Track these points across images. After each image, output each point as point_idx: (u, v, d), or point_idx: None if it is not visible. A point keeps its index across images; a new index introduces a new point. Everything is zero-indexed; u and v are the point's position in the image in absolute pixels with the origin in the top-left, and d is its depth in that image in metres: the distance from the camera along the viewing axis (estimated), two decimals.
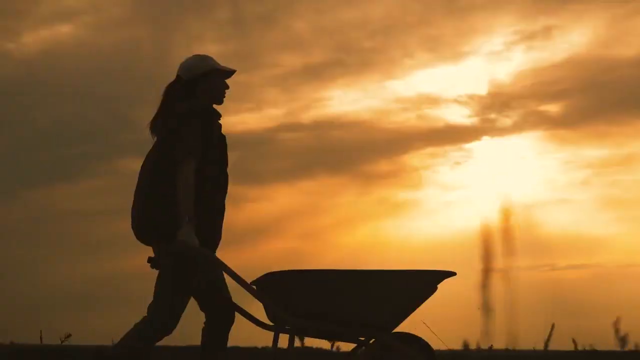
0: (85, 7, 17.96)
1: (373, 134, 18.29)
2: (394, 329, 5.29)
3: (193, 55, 5.20)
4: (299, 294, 5.12)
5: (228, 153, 5.16)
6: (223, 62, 5.24)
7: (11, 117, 17.61)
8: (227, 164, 5.15)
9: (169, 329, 4.96)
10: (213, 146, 5.03)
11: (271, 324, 5.22)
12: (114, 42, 17.81)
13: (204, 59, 5.16)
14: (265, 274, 5.15)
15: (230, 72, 5.20)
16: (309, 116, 18.36)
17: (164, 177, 4.97)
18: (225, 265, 5.00)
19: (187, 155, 4.89)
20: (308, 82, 18.44)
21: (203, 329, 5.18)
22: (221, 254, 5.07)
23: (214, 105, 5.20)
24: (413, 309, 5.31)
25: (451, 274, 5.30)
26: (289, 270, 5.13)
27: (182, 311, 4.98)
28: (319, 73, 18.37)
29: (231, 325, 5.16)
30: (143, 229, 5.02)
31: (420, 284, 5.27)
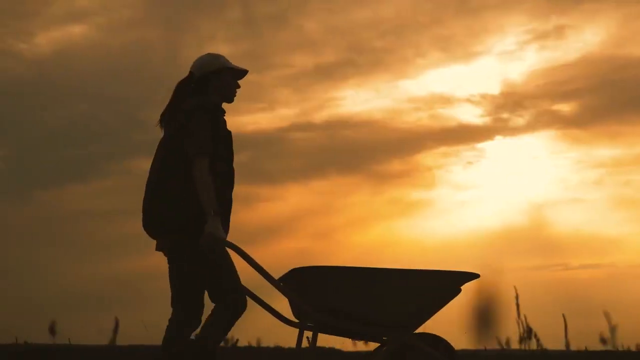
0: (97, 8, 17.99)
1: (385, 134, 18.28)
2: (416, 329, 5.29)
3: (207, 54, 5.25)
4: (324, 290, 5.12)
5: (238, 152, 5.19)
6: (234, 62, 5.26)
7: (23, 118, 17.66)
8: (232, 160, 5.17)
9: (244, 304, 5.06)
10: (221, 142, 5.05)
11: (296, 320, 5.22)
12: (125, 43, 17.84)
13: (216, 57, 5.22)
14: (291, 270, 5.17)
15: (242, 72, 5.25)
16: (321, 116, 18.35)
17: (171, 172, 5.01)
18: (252, 259, 5.02)
19: (199, 151, 4.92)
20: (320, 82, 18.43)
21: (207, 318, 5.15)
22: (233, 253, 5.07)
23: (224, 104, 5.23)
24: (437, 310, 5.31)
25: (475, 276, 5.29)
26: (314, 266, 5.14)
27: (239, 281, 5.06)
28: (331, 73, 18.36)
29: (237, 319, 5.13)
30: (150, 223, 5.06)
31: (445, 284, 5.27)
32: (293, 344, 5.27)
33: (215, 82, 5.17)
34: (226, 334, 5.08)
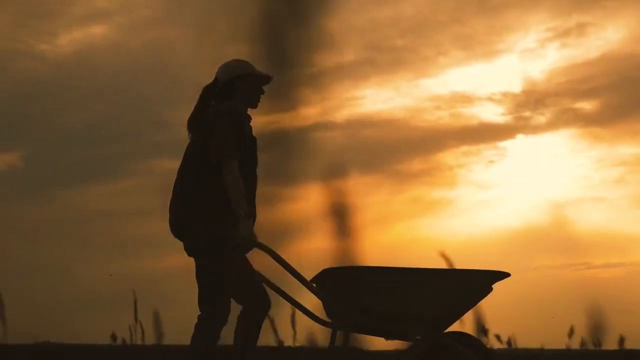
0: (118, 8, 18.04)
1: (406, 133, 18.24)
2: (447, 328, 5.31)
3: (233, 59, 5.29)
4: (357, 290, 5.15)
5: (259, 154, 5.21)
6: (255, 62, 5.29)
7: (44, 118, 17.73)
8: (256, 165, 5.22)
9: (267, 304, 5.11)
10: (244, 147, 5.08)
11: (329, 320, 5.23)
12: (146, 43, 17.88)
13: (242, 63, 5.26)
14: (323, 270, 5.21)
15: (267, 78, 5.29)
16: (341, 115, 18.33)
17: (196, 176, 5.05)
18: (284, 260, 5.07)
19: (226, 154, 4.96)
20: (340, 81, 18.42)
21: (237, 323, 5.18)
22: (255, 252, 5.09)
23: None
24: (468, 309, 5.35)
25: (506, 275, 5.31)
26: (347, 267, 5.23)
27: (260, 285, 5.10)
28: (352, 72, 18.33)
29: (265, 316, 5.16)
30: (176, 226, 5.10)
31: (476, 283, 5.29)
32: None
33: (239, 87, 5.20)
34: (257, 338, 5.10)
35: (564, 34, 17.39)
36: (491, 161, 17.76)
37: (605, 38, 17.35)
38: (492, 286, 5.35)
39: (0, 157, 17.43)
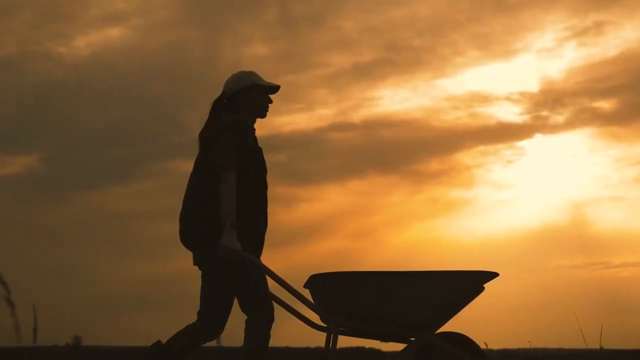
0: (135, 10, 18.13)
1: (424, 133, 18.26)
2: (437, 329, 5.32)
3: (239, 71, 5.37)
4: (345, 295, 5.20)
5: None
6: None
7: (62, 120, 17.84)
8: (264, 172, 5.31)
9: (216, 333, 5.15)
10: (249, 158, 5.17)
11: (324, 325, 5.26)
12: (163, 44, 17.95)
13: (247, 75, 5.33)
14: (311, 276, 5.25)
15: (273, 88, 5.34)
16: (359, 115, 18.37)
17: (202, 188, 5.14)
18: (269, 269, 5.11)
19: (225, 167, 5.06)
20: (358, 81, 18.44)
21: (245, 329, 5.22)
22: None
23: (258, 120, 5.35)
24: (457, 310, 5.35)
25: (494, 275, 5.31)
26: (334, 273, 5.22)
27: (228, 316, 5.14)
28: (369, 72, 18.37)
29: (271, 325, 5.20)
30: (184, 237, 5.19)
31: (462, 284, 5.30)
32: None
33: (246, 99, 5.27)
34: (264, 347, 5.14)
35: (581, 32, 17.35)
36: (509, 161, 17.75)
37: (623, 37, 17.30)
38: (484, 286, 5.36)
39: (19, 159, 17.52)
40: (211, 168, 5.11)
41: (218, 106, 5.32)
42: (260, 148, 5.33)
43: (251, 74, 5.33)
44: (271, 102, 5.34)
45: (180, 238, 5.21)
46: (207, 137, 5.20)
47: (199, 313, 5.14)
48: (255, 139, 5.31)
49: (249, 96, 5.27)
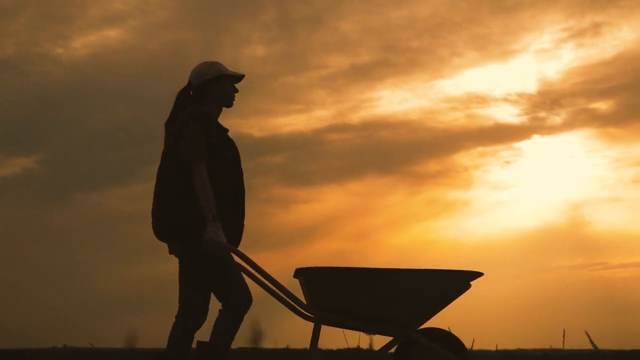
0: (133, 11, 18.10)
1: (422, 134, 18.24)
2: (419, 327, 5.38)
3: (203, 62, 5.41)
4: (328, 290, 5.25)
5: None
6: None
7: (61, 121, 17.81)
8: (236, 162, 5.35)
9: (249, 297, 5.22)
10: (215, 149, 5.20)
11: (311, 315, 5.32)
12: (161, 45, 17.94)
13: (212, 65, 5.38)
14: (296, 269, 5.33)
15: (238, 77, 5.40)
16: (357, 117, 18.35)
17: (170, 179, 5.20)
18: (255, 263, 5.14)
19: (194, 157, 5.08)
20: (356, 82, 18.43)
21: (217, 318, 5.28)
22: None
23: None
24: (440, 308, 5.40)
25: (478, 274, 5.35)
26: (316, 267, 5.26)
27: (240, 276, 5.21)
28: (367, 73, 18.35)
29: (242, 317, 5.26)
30: (157, 228, 5.26)
31: (445, 283, 5.33)
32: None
33: (212, 89, 5.32)
34: (233, 337, 5.21)
35: (579, 33, 17.35)
36: (507, 162, 17.74)
37: (620, 38, 17.30)
38: (470, 284, 5.40)
39: (18, 161, 17.50)
40: (180, 161, 5.13)
41: (184, 97, 5.35)
42: (231, 139, 5.36)
43: (217, 64, 5.37)
44: (237, 91, 5.39)
45: (154, 230, 5.24)
46: (175, 129, 5.22)
47: (218, 295, 5.18)
48: (225, 130, 5.35)
49: (217, 86, 5.31)
